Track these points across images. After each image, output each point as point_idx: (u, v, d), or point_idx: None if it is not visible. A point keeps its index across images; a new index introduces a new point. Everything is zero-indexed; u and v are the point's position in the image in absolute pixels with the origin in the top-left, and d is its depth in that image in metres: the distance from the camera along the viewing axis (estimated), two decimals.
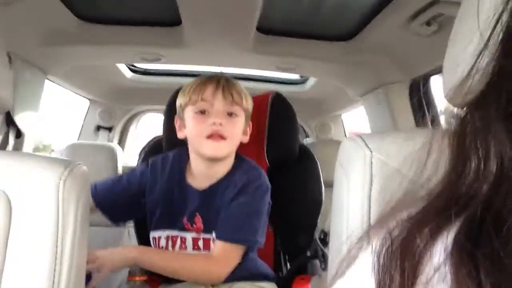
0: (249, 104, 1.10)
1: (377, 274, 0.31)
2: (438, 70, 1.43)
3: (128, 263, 0.98)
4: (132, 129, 2.75)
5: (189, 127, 1.06)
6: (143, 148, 1.40)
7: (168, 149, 1.32)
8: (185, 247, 1.09)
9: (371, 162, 0.53)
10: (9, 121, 1.55)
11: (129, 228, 1.76)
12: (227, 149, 1.05)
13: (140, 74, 2.27)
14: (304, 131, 2.75)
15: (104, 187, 1.12)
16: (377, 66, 1.59)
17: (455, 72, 0.47)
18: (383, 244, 0.33)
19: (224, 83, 1.05)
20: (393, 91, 1.62)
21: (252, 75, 2.36)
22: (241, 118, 1.08)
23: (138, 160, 1.38)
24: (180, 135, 1.12)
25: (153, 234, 1.11)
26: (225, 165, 1.10)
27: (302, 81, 2.32)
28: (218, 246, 1.02)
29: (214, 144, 1.01)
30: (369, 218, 0.51)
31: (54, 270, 0.51)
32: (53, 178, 0.54)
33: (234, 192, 1.05)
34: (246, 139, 1.13)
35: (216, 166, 1.08)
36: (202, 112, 1.04)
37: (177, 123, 1.13)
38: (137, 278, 1.04)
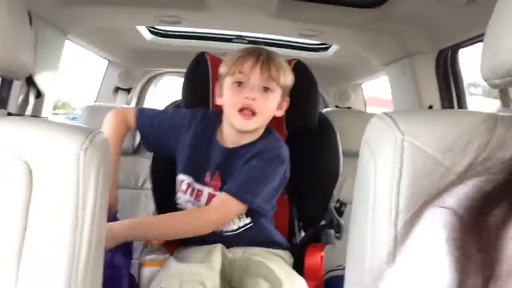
0: (287, 80, 1.12)
1: (453, 251, 0.31)
2: (469, 42, 1.37)
3: (119, 242, 0.99)
4: (150, 91, 2.74)
5: (225, 97, 1.10)
6: (167, 106, 1.40)
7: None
8: (199, 200, 1.12)
9: (402, 146, 0.51)
10: (29, 81, 1.55)
11: (146, 190, 1.79)
12: (256, 124, 1.08)
13: (159, 36, 2.24)
14: (323, 100, 2.70)
15: (148, 114, 1.20)
16: (404, 35, 1.53)
17: (503, 47, 0.44)
18: (452, 220, 0.32)
19: (264, 58, 1.07)
20: (419, 61, 1.57)
21: (272, 39, 2.30)
22: (277, 93, 1.09)
23: None
24: (217, 101, 1.15)
25: (178, 177, 1.16)
26: (253, 135, 1.13)
27: (324, 47, 2.26)
28: (218, 196, 1.07)
29: (244, 120, 1.05)
30: (397, 206, 0.49)
31: (75, 238, 0.51)
32: (74, 147, 0.53)
33: (250, 156, 1.09)
34: (280, 113, 1.16)
35: (245, 135, 1.12)
36: (239, 84, 1.07)
37: (217, 90, 1.16)
38: (154, 242, 1.06)
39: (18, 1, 0.60)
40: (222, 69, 1.12)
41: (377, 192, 0.51)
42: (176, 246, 1.16)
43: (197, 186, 1.12)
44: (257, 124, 1.09)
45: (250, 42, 2.27)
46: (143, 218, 1.08)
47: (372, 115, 2.05)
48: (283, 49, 2.32)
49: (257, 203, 1.06)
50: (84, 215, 0.52)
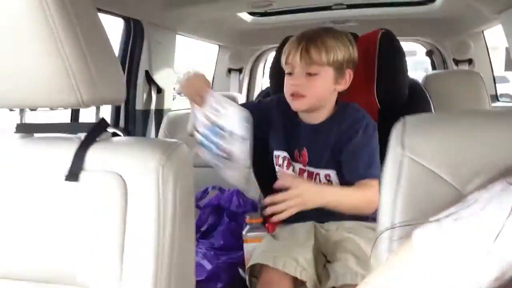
0: (335, 55, 1.11)
1: None
2: None
3: (321, 205, 1.03)
4: (260, 68, 2.88)
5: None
6: (259, 95, 1.51)
7: (274, 94, 1.40)
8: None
9: (401, 161, 0.51)
10: (149, 80, 1.81)
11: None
12: (308, 105, 1.14)
13: (259, 16, 2.33)
14: (441, 55, 2.50)
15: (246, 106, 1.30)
16: None
17: None
18: None
19: (304, 44, 1.09)
20: None
21: (373, 1, 2.21)
22: (323, 73, 1.11)
23: None
24: None
25: (275, 153, 1.24)
26: (324, 112, 1.17)
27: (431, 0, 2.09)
28: (364, 183, 1.06)
29: (295, 102, 1.13)
30: (393, 219, 0.51)
31: (159, 243, 0.62)
32: (154, 163, 0.65)
33: (344, 133, 1.12)
34: (341, 87, 1.15)
35: (313, 114, 1.17)
36: (289, 74, 1.14)
37: None
38: (253, 221, 1.19)
39: (100, 35, 0.71)
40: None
41: (380, 205, 0.54)
42: (275, 225, 1.28)
43: (292, 162, 1.21)
44: (309, 105, 1.13)
45: (349, 6, 2.22)
46: (330, 188, 1.13)
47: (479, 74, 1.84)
48: (386, 8, 2.21)
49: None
50: (164, 226, 0.63)
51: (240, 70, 2.74)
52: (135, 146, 0.71)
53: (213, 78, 2.77)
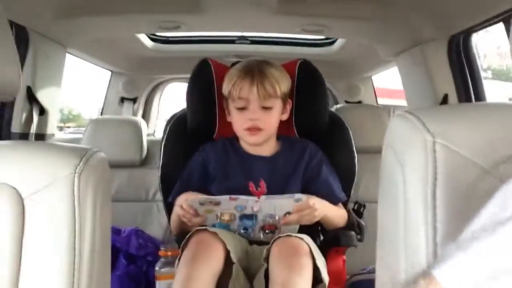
0: (285, 86, 1.17)
1: None
2: (482, 26, 1.30)
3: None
4: (156, 99, 2.71)
5: (232, 119, 1.19)
6: (168, 121, 1.36)
7: (193, 122, 1.28)
8: None
9: (434, 150, 0.44)
10: (31, 98, 1.53)
11: (157, 202, 1.74)
12: (264, 137, 1.17)
13: (160, 43, 2.20)
14: (333, 96, 2.64)
15: (178, 191, 1.16)
16: (413, 23, 1.47)
17: None
18: None
19: (258, 78, 1.12)
20: (429, 49, 1.50)
21: (275, 38, 2.26)
22: (277, 105, 1.16)
23: (164, 133, 1.34)
24: (228, 119, 1.22)
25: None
26: (271, 143, 1.21)
27: (330, 42, 2.20)
28: (339, 204, 1.19)
29: (252, 137, 1.16)
30: (435, 221, 0.43)
31: (73, 270, 0.47)
32: (66, 171, 0.49)
33: (309, 162, 1.18)
34: (285, 116, 1.21)
35: (264, 146, 1.19)
36: (241, 108, 1.14)
37: (225, 107, 1.22)
38: (169, 253, 1.04)
39: None
40: (224, 89, 1.18)
41: (409, 205, 0.45)
42: None
43: (240, 197, 1.10)
44: (265, 137, 1.17)
45: (252, 42, 2.23)
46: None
47: (384, 108, 1.98)
48: (287, 46, 2.28)
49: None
50: (82, 245, 0.47)
51: (134, 100, 2.54)
52: (37, 151, 0.52)
53: (103, 107, 2.52)
